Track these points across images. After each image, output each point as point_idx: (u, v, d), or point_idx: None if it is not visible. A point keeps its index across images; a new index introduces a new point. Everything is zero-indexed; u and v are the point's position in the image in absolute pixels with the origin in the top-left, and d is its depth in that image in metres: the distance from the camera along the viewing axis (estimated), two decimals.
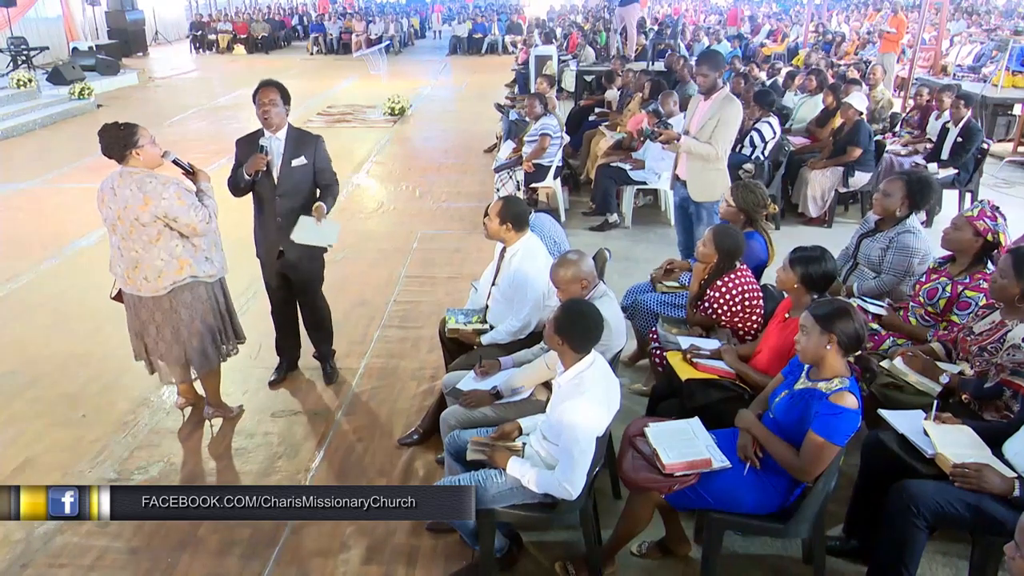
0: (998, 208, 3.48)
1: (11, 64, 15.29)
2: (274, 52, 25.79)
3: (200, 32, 26.10)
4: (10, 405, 4.27)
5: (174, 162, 3.63)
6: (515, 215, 3.66)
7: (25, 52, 15.65)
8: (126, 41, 21.32)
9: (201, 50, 25.54)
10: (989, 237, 3.43)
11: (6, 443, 3.92)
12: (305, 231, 3.95)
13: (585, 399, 2.60)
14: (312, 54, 25.03)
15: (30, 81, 13.41)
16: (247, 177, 3.93)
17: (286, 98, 3.99)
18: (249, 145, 4.00)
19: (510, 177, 7.09)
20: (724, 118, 4.84)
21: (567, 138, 7.88)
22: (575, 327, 2.68)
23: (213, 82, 18.33)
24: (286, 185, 4.00)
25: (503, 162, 7.47)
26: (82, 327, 5.09)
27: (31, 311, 5.52)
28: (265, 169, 3.94)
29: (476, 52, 25.27)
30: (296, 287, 4.28)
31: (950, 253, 3.61)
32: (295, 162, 3.98)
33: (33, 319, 5.39)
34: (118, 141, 3.43)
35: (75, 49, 17.75)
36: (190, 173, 3.69)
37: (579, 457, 2.59)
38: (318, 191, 4.11)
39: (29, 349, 4.90)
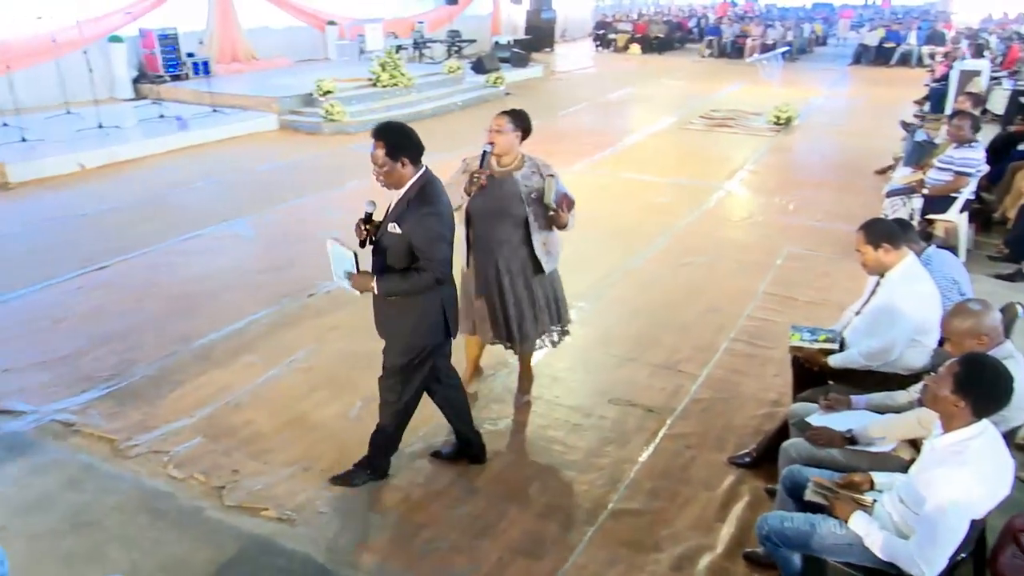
0: None
1: (446, 53, 17.98)
2: (667, 53, 26.33)
3: (603, 31, 27.77)
4: None
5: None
6: (886, 232, 3.34)
7: (458, 44, 18.26)
8: (538, 37, 23.59)
9: (600, 48, 27.17)
10: None
11: None
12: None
13: (967, 472, 2.24)
14: (703, 56, 25.06)
15: (458, 68, 15.59)
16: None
17: (398, 147, 3.07)
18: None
19: (903, 204, 6.32)
20: None
21: (986, 168, 6.78)
22: (981, 384, 2.31)
23: (606, 79, 19.31)
24: (376, 253, 3.26)
25: (898, 187, 6.69)
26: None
27: None
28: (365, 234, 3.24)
29: (883, 63, 22.96)
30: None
31: None
32: (391, 227, 3.16)
33: None
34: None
35: (496, 43, 20.20)
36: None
37: (944, 534, 2.25)
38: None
39: None
